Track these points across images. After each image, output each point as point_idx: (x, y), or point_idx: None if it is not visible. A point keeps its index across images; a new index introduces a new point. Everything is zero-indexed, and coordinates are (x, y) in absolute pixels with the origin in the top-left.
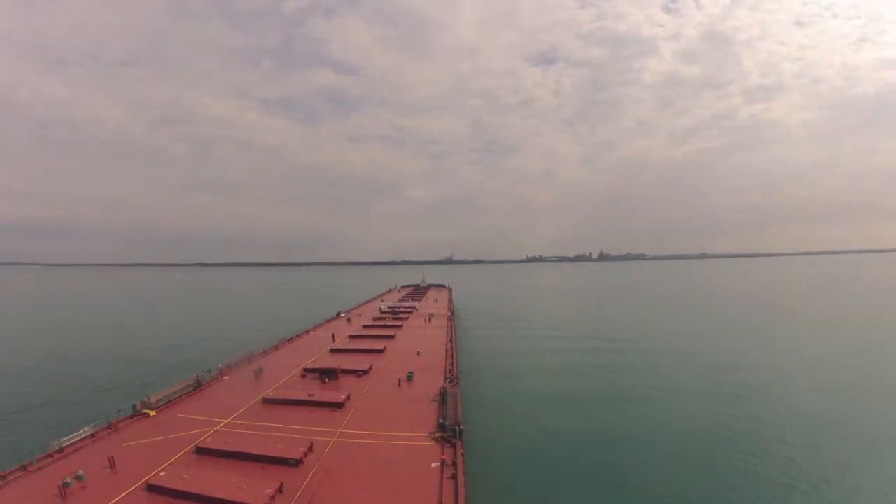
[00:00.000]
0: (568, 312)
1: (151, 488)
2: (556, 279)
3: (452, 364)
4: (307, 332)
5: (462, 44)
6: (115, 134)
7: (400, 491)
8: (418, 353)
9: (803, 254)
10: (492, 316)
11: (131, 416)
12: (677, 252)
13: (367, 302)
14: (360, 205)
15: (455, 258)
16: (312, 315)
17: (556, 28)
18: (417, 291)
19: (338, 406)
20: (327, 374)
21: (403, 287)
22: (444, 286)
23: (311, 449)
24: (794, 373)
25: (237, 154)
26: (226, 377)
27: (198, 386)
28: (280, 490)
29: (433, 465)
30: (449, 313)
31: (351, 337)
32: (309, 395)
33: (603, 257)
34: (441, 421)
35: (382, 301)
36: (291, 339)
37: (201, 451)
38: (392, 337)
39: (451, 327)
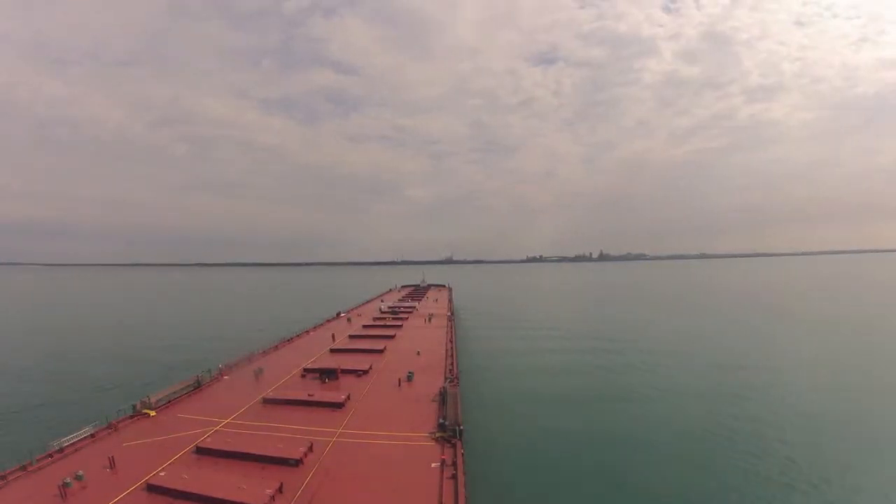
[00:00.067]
0: (568, 312)
1: (151, 488)
2: (556, 279)
3: (452, 364)
4: (307, 332)
5: (462, 44)
6: (115, 134)
7: (400, 491)
8: (418, 353)
9: (803, 254)
10: (492, 316)
11: (131, 416)
12: (677, 252)
13: (367, 302)
14: (360, 205)
15: (455, 258)
16: (312, 315)
17: (556, 28)
18: (417, 291)
19: (338, 406)
20: (327, 374)
21: (403, 287)
22: (444, 286)
23: (311, 449)
24: (794, 373)
25: (237, 154)
26: (226, 377)
27: (198, 386)
28: (280, 490)
29: (433, 465)
30: (449, 313)
31: (351, 337)
32: (309, 395)
33: (603, 257)
34: (441, 421)
35: (382, 301)
36: (291, 339)
37: (201, 451)
38: (392, 337)
39: (451, 327)
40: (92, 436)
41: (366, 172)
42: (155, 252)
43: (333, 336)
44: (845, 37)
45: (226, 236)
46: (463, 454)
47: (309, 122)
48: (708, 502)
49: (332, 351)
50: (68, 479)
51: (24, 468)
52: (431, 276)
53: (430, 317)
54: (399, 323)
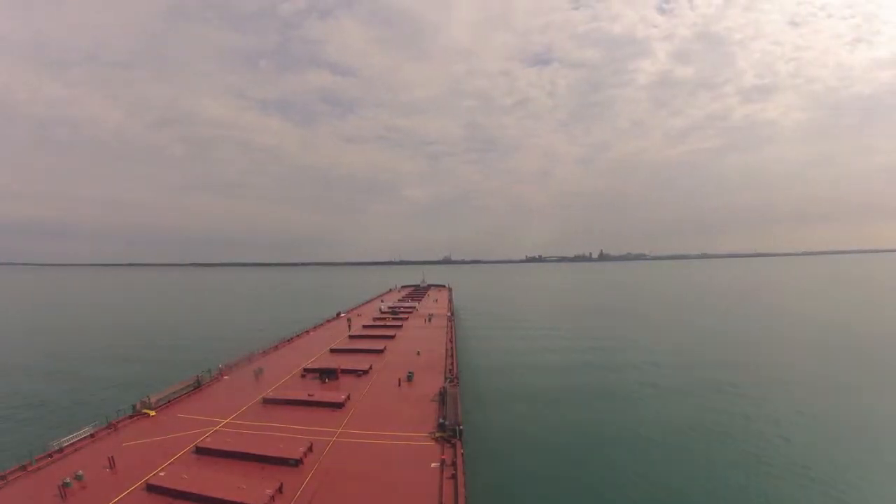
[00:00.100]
0: (568, 312)
1: (151, 488)
2: (556, 279)
3: (452, 364)
4: (307, 332)
5: (457, 45)
6: (115, 134)
7: (400, 491)
8: (418, 353)
9: (803, 254)
10: (491, 316)
11: (131, 416)
12: (678, 252)
13: (367, 302)
14: (357, 205)
15: (453, 258)
16: (312, 315)
17: (550, 29)
18: (417, 291)
19: (338, 406)
20: (327, 374)
21: (403, 287)
22: (444, 286)
23: (311, 449)
24: (795, 373)
25: (236, 154)
26: (226, 377)
27: (198, 386)
28: (280, 490)
29: (433, 465)
30: (449, 313)
31: (351, 337)
32: (309, 395)
33: (603, 257)
34: (441, 421)
35: (382, 301)
36: (291, 339)
37: (201, 451)
38: (392, 337)
39: (451, 327)
40: (92, 436)
41: (363, 173)
42: (154, 252)
43: (333, 336)
44: (840, 37)
45: (225, 236)
46: (463, 454)
47: (306, 124)
48: (709, 501)
49: (332, 351)
50: (68, 479)
51: (23, 468)
52: (430, 276)
53: (430, 317)
54: (399, 323)
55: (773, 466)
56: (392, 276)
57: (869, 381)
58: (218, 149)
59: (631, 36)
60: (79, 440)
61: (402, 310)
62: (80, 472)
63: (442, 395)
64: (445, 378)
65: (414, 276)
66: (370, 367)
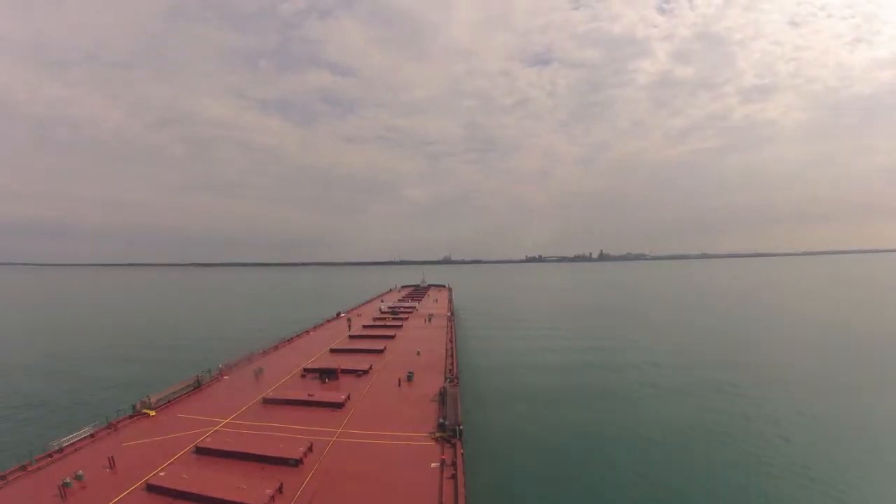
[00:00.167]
0: (568, 312)
1: (151, 488)
2: (556, 279)
3: (452, 364)
4: (307, 332)
5: (457, 45)
6: (115, 134)
7: (400, 491)
8: (418, 353)
9: (803, 254)
10: (491, 316)
11: (131, 416)
12: (678, 252)
13: (367, 302)
14: (357, 205)
15: (453, 258)
16: (312, 315)
17: (550, 29)
18: (417, 291)
19: (338, 406)
20: (327, 374)
21: (403, 287)
22: (444, 286)
23: (310, 449)
24: (794, 372)
25: (236, 154)
26: (226, 377)
27: (198, 386)
28: (280, 490)
29: (433, 465)
30: (449, 313)
31: (351, 337)
32: (309, 395)
33: (603, 257)
34: (441, 421)
35: (382, 301)
36: (291, 339)
37: (201, 451)
38: (392, 337)
39: (451, 327)
40: (92, 436)
41: (363, 173)
42: (154, 252)
43: (333, 336)
44: (840, 37)
45: (225, 236)
46: (463, 454)
47: (306, 124)
48: (709, 501)
49: (332, 351)
50: (68, 479)
51: (23, 468)
52: (430, 276)
53: (430, 317)
54: (399, 323)
55: (773, 466)
56: (392, 276)
57: (869, 381)
58: (218, 149)
59: (631, 36)
60: (79, 440)
61: (402, 310)
62: (80, 472)
63: (442, 395)
64: (445, 378)
65: (414, 276)
66: (370, 367)
